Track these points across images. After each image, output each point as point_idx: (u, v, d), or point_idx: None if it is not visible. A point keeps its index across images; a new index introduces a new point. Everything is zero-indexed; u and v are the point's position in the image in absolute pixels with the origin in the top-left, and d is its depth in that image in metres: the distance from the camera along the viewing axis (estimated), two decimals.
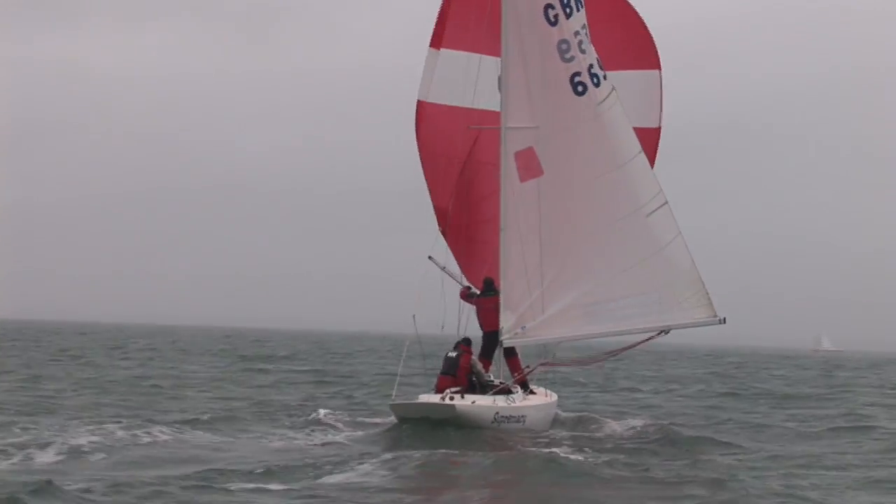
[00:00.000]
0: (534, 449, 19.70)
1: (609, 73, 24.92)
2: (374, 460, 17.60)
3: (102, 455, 17.76)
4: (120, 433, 19.88)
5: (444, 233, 25.06)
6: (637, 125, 25.77)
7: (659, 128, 26.88)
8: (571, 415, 25.68)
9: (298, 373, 43.17)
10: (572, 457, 18.74)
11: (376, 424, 22.54)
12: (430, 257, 24.45)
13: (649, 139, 26.42)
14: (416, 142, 25.58)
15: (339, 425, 22.68)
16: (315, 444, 20.01)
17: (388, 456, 17.98)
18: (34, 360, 45.54)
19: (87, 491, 14.50)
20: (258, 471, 16.40)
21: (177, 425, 21.35)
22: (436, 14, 25.40)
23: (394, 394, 22.41)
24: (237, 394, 30.59)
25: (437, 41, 25.37)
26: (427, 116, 25.46)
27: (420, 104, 25.57)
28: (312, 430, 21.85)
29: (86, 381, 33.08)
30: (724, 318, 22.96)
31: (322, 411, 24.42)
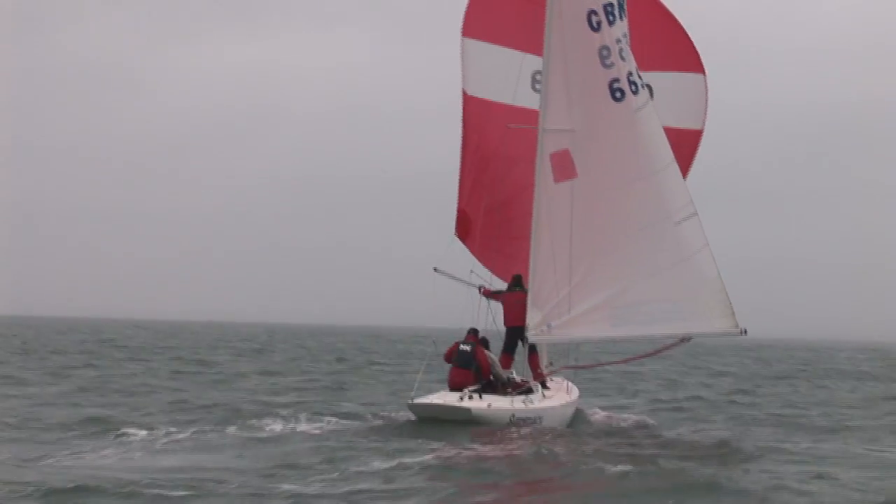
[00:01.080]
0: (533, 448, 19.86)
1: (659, 74, 25.28)
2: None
3: None
4: None
5: (461, 238, 25.43)
6: (683, 126, 26.29)
7: (701, 130, 27.29)
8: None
9: None
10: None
11: None
12: (435, 269, 24.87)
13: (692, 140, 26.98)
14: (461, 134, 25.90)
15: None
16: None
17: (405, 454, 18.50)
18: None
19: None
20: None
21: None
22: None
23: (413, 393, 22.93)
24: None
25: (474, 31, 25.66)
26: (471, 110, 25.79)
27: (465, 96, 25.90)
28: None
29: None
30: (745, 330, 23.32)
31: None
